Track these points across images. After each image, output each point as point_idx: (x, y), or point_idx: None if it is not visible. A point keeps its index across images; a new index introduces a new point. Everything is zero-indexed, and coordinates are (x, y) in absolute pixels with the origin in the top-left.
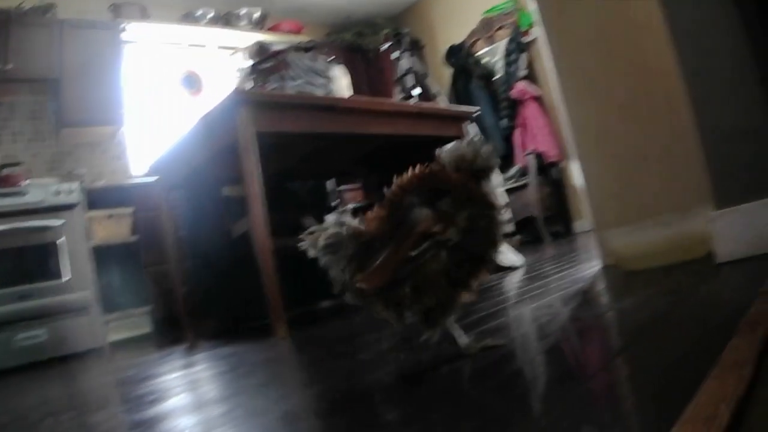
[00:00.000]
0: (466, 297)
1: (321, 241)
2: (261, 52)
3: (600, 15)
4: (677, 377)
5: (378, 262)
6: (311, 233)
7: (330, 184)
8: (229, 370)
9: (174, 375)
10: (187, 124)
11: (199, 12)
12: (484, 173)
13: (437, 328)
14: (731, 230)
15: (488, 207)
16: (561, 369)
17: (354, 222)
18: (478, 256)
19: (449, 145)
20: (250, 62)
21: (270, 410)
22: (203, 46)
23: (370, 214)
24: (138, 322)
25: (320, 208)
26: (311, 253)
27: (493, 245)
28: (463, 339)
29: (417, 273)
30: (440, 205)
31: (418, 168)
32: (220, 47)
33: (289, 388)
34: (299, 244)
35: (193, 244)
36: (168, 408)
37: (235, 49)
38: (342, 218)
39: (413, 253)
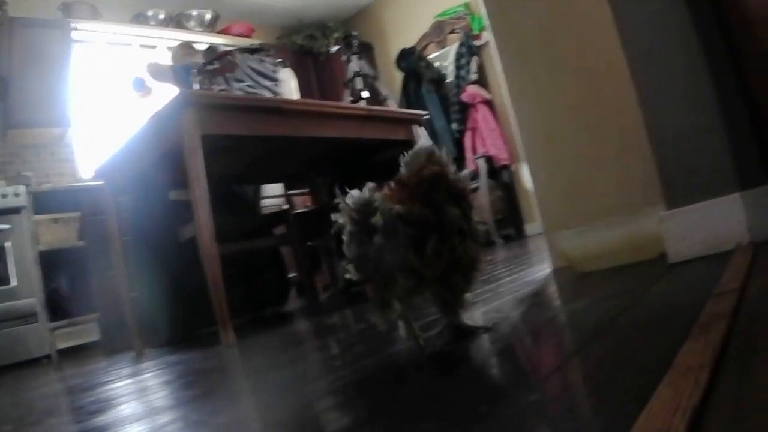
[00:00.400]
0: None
1: (378, 219)
2: (209, 54)
3: (548, 16)
4: (631, 382)
5: (432, 251)
6: (345, 207)
7: (278, 188)
8: (175, 378)
9: (120, 384)
10: (135, 127)
11: (150, 13)
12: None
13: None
14: (682, 230)
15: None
16: (511, 373)
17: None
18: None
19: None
20: (172, 64)
21: (209, 422)
22: (154, 47)
23: (393, 193)
24: (86, 330)
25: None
26: (348, 227)
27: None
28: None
29: (459, 263)
30: (464, 207)
31: (437, 169)
32: (170, 49)
33: (232, 398)
34: (334, 218)
35: (141, 249)
36: (111, 418)
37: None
38: (375, 195)
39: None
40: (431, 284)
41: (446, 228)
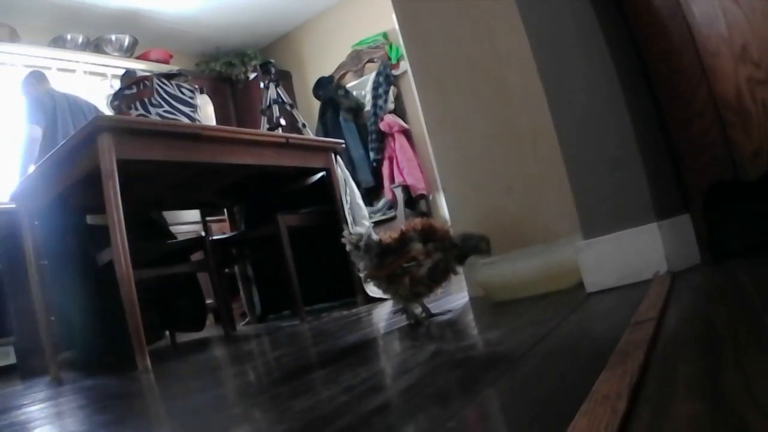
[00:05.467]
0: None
1: (362, 243)
2: (126, 78)
3: (465, 47)
4: (549, 411)
5: (387, 262)
6: (348, 237)
7: (195, 215)
8: (90, 403)
9: (35, 407)
10: (52, 150)
11: (69, 37)
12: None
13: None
14: (600, 260)
15: (451, 259)
16: (427, 402)
17: (376, 236)
18: (440, 276)
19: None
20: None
21: None
22: (72, 71)
23: (386, 234)
24: (1, 353)
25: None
26: (349, 248)
27: (448, 275)
28: (422, 313)
29: (405, 274)
30: (428, 245)
31: (422, 220)
32: (89, 73)
33: (147, 424)
34: (342, 241)
35: (58, 273)
36: None
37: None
38: (372, 232)
39: (405, 265)
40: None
41: (402, 253)
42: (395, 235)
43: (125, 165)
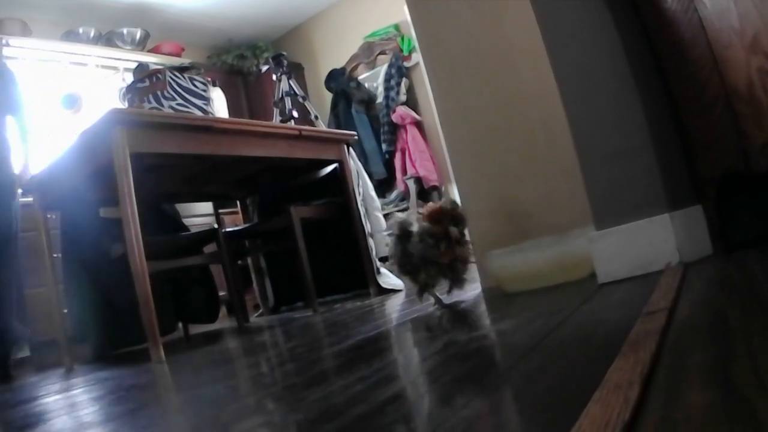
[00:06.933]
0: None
1: (417, 228)
2: (139, 72)
3: (477, 38)
4: (561, 399)
5: (443, 249)
6: (394, 221)
7: (208, 207)
8: (104, 395)
9: (50, 399)
10: (65, 144)
11: (81, 30)
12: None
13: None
14: (612, 251)
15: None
16: (439, 394)
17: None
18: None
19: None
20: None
21: None
22: (84, 65)
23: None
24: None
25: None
26: (396, 232)
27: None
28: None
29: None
30: (460, 227)
31: (448, 206)
32: (100, 66)
33: (163, 414)
34: (391, 223)
35: (71, 265)
36: None
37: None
38: (416, 217)
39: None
40: (445, 270)
41: (450, 238)
42: (423, 221)
43: (138, 157)
